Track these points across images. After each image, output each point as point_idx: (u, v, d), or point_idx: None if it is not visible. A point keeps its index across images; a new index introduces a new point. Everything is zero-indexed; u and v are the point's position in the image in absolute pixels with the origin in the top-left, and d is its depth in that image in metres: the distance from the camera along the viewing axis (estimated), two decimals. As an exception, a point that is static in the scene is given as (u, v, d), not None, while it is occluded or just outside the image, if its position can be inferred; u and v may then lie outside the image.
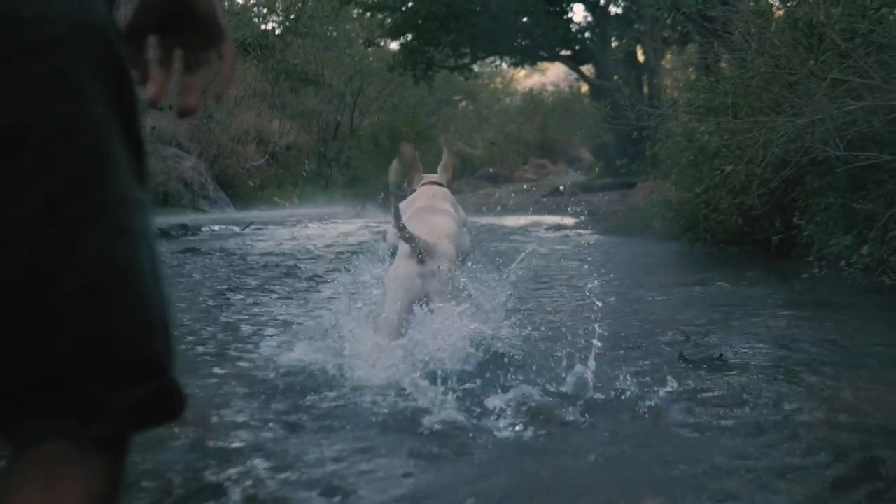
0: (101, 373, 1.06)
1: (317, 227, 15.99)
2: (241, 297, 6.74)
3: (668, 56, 28.02)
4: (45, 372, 1.03)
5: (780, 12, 7.67)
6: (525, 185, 30.55)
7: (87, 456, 1.07)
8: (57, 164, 1.02)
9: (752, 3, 7.91)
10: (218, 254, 10.29)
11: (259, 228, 15.23)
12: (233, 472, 2.76)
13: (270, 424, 3.27)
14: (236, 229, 15.01)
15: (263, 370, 4.12)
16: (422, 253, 4.09)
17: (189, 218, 16.53)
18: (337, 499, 2.57)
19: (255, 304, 6.38)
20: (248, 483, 2.68)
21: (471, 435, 3.13)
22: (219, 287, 7.28)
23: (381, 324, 4.17)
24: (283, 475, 2.74)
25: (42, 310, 1.02)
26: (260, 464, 2.83)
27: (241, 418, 3.37)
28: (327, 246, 11.80)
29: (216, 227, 15.18)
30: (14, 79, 0.99)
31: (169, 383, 1.12)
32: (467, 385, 3.66)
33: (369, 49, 31.71)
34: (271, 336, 5.04)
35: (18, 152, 1.00)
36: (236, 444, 3.04)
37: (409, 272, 4.12)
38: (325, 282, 7.77)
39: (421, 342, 3.92)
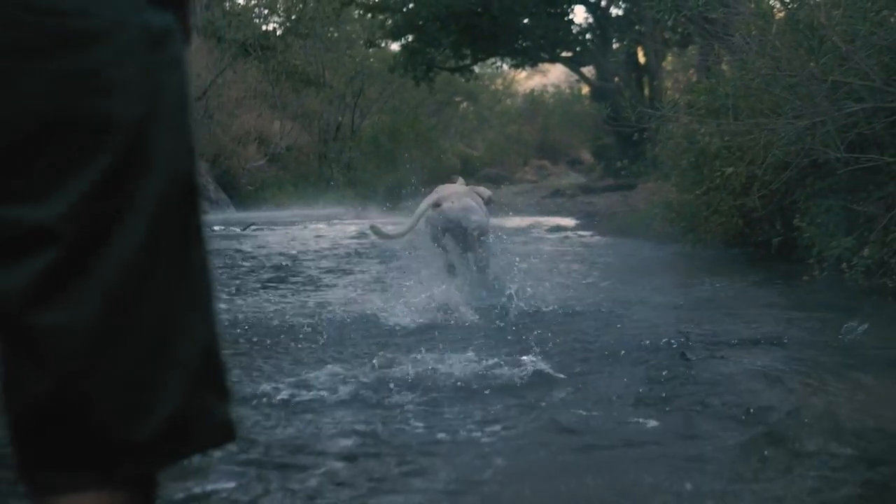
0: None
1: (317, 227, 15.98)
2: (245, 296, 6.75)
3: (669, 58, 28.01)
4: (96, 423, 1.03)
5: (781, 14, 7.67)
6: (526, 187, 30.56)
7: (114, 499, 1.06)
8: (90, 163, 1.01)
9: (752, 5, 7.90)
10: (226, 254, 10.29)
11: (260, 229, 15.23)
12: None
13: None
14: (237, 230, 15.01)
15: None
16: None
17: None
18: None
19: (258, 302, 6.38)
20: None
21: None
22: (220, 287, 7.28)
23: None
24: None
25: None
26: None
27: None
28: (329, 247, 11.80)
29: (217, 228, 15.17)
30: (54, 71, 0.99)
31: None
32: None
33: (370, 50, 31.68)
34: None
35: (54, 146, 1.00)
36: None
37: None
38: (326, 284, 7.77)
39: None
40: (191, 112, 1.16)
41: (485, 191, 6.73)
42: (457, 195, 6.25)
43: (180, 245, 1.10)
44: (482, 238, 6.26)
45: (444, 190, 6.38)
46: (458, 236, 6.18)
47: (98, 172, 1.01)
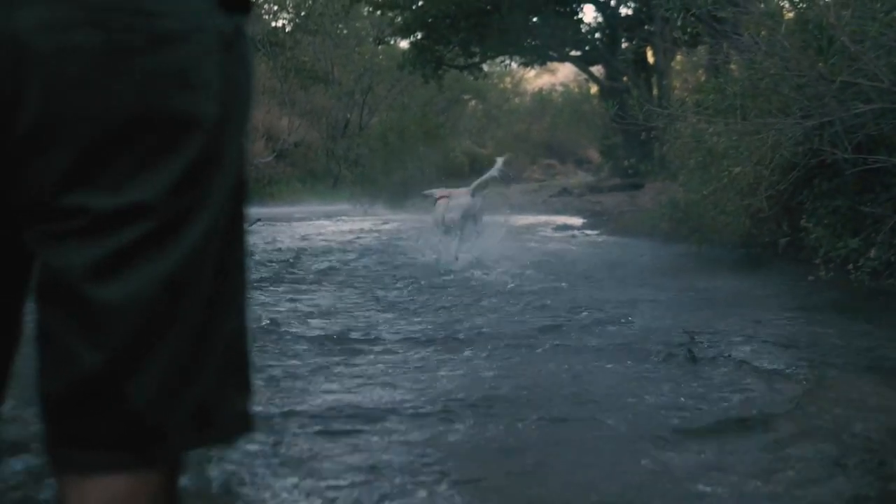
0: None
1: (324, 224, 16.01)
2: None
3: (679, 57, 27.96)
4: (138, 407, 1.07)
5: (790, 14, 7.66)
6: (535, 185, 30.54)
7: (141, 481, 1.09)
8: (171, 159, 1.06)
9: (762, 5, 7.89)
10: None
11: (266, 225, 15.25)
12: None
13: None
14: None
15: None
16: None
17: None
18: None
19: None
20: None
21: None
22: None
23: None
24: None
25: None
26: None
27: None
28: (335, 242, 11.83)
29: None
30: (143, 69, 1.04)
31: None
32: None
33: (379, 47, 31.67)
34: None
35: (140, 141, 1.05)
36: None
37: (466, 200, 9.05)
38: (329, 280, 7.78)
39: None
40: (252, 109, 1.22)
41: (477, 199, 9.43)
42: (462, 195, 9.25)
43: (229, 239, 1.15)
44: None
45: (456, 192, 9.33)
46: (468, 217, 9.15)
47: (181, 168, 1.07)
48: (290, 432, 3.17)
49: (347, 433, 3.16)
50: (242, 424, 1.19)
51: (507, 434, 3.17)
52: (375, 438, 3.11)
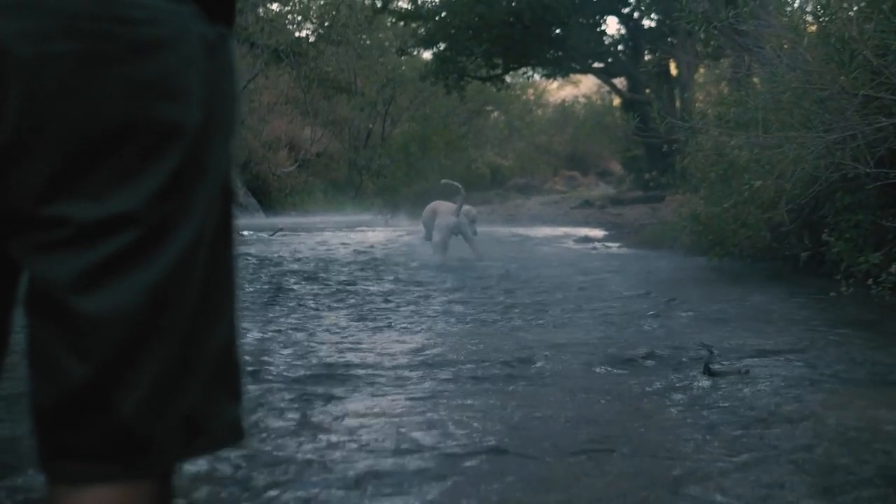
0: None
1: (346, 235, 16.05)
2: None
3: (702, 70, 27.90)
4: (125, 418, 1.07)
5: (813, 28, 7.63)
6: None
7: (132, 492, 1.10)
8: (154, 167, 1.06)
9: (784, 19, 7.87)
10: (253, 259, 10.36)
11: (287, 235, 15.31)
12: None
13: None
14: (265, 235, 15.10)
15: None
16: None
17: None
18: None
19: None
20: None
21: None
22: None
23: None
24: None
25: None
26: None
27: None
28: (356, 253, 11.86)
29: (245, 233, 15.27)
30: (125, 77, 1.04)
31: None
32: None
33: (402, 58, 31.79)
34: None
35: (122, 150, 1.04)
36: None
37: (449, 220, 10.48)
38: (350, 292, 7.80)
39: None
40: (237, 117, 1.21)
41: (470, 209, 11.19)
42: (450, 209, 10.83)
43: (216, 246, 1.15)
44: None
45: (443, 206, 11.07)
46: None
47: (164, 176, 1.07)
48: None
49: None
50: (233, 433, 1.19)
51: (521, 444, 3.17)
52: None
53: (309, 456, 3.00)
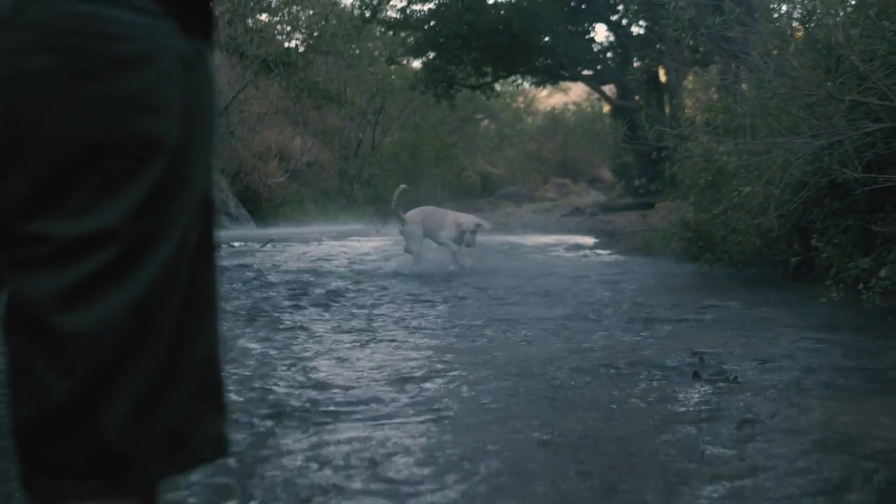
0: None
1: (336, 245, 16.02)
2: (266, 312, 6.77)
3: (690, 77, 27.98)
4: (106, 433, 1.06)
5: (799, 34, 7.66)
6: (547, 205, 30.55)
7: None
8: (133, 183, 1.05)
9: (771, 25, 7.89)
10: (242, 271, 10.33)
11: (278, 245, 15.28)
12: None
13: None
14: (256, 246, 15.06)
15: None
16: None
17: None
18: None
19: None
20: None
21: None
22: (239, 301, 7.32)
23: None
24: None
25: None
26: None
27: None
28: (347, 264, 11.84)
29: (236, 244, 15.23)
30: (103, 93, 1.03)
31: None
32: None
33: (391, 67, 31.80)
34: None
35: (102, 165, 1.04)
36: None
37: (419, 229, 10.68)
38: (338, 303, 7.79)
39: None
40: (216, 130, 1.21)
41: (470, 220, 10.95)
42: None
43: (197, 261, 1.14)
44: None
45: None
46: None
47: (144, 191, 1.06)
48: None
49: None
50: (217, 448, 1.18)
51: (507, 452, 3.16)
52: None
53: (276, 477, 2.97)
